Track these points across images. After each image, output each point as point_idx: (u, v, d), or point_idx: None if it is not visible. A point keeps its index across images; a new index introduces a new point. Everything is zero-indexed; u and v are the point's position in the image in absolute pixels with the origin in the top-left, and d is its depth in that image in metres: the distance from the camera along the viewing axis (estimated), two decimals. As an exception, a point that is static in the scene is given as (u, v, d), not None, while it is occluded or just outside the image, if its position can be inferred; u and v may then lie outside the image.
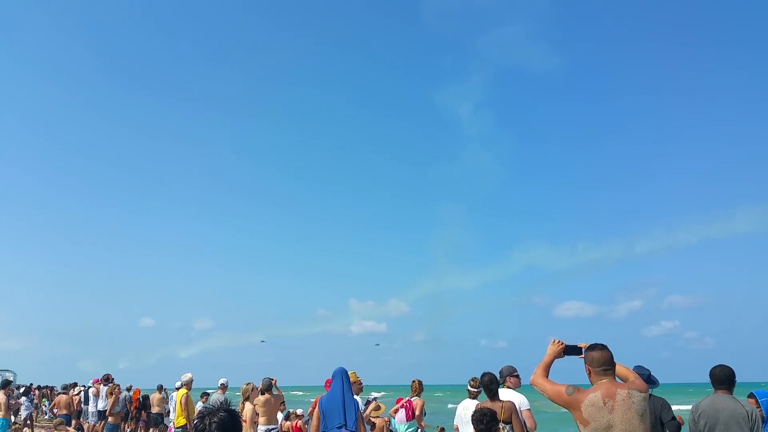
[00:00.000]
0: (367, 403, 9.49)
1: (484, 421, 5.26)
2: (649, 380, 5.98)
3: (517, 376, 7.43)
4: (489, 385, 6.57)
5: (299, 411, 13.29)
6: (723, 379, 5.33)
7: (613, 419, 3.58)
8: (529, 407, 7.37)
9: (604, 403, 3.64)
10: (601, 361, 3.81)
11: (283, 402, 13.45)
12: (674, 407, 6.07)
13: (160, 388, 18.70)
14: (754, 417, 5.01)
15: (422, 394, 9.30)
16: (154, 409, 17.93)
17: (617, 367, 3.95)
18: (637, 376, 3.96)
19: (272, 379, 11.31)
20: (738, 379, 5.49)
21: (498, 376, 6.99)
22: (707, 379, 5.67)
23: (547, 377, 4.13)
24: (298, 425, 12.74)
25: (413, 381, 9.26)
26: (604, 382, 3.76)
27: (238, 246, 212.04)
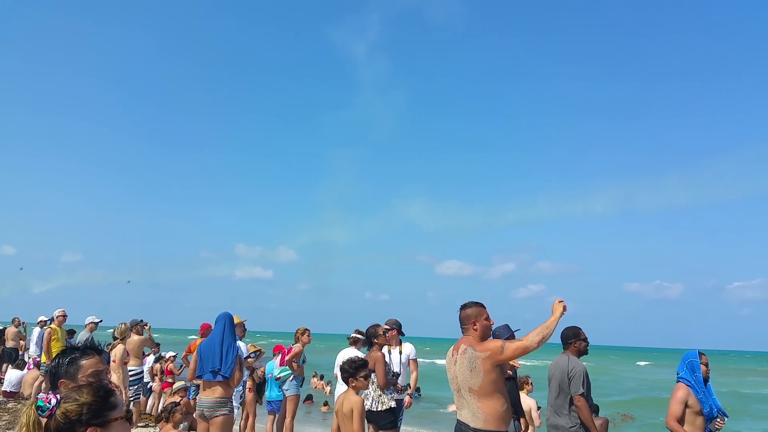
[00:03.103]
0: (255, 354, 9.90)
1: (347, 368, 5.73)
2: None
3: (393, 329, 8.08)
4: (370, 336, 7.37)
5: (169, 354, 13.34)
6: (562, 339, 6.27)
7: (456, 370, 4.34)
8: (415, 358, 8.16)
9: (452, 355, 4.43)
10: (460, 318, 4.51)
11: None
12: (531, 363, 7.00)
13: (17, 322, 18.14)
14: (572, 372, 5.85)
15: (308, 343, 9.57)
16: (9, 344, 17.45)
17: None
18: (537, 336, 4.20)
19: (146, 324, 11.46)
20: (592, 343, 6.47)
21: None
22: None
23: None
24: (169, 368, 12.88)
25: (298, 329, 9.55)
26: (462, 338, 4.48)
27: (115, 181, 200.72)
